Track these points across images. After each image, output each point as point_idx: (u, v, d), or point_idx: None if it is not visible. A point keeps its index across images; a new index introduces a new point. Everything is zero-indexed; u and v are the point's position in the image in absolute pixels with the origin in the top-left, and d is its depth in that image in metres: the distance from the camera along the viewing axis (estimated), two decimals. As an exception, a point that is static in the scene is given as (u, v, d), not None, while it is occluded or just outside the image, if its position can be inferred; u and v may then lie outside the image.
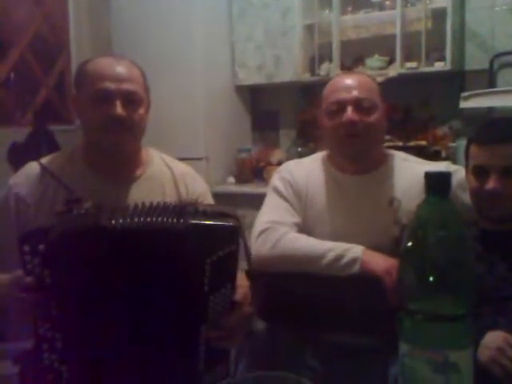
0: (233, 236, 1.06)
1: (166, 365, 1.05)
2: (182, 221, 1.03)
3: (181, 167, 1.48)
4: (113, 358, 1.03)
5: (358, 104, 1.45)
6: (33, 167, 1.36)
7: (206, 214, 1.07)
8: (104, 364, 1.03)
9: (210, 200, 1.48)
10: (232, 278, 1.09)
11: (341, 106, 1.46)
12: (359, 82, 1.49)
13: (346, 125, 1.44)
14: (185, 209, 1.07)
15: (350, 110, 1.44)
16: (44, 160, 1.38)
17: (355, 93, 1.46)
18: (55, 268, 1.00)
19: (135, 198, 1.34)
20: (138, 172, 1.40)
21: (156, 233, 1.03)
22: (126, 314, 1.02)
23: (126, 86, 1.30)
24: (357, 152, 1.48)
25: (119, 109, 1.28)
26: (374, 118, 1.46)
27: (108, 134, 1.30)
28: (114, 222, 1.01)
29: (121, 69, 1.32)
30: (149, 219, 1.02)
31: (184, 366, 1.07)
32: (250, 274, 1.20)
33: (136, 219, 1.02)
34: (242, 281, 1.20)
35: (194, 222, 1.04)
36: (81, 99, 1.34)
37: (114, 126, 1.29)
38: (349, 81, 1.50)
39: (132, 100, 1.31)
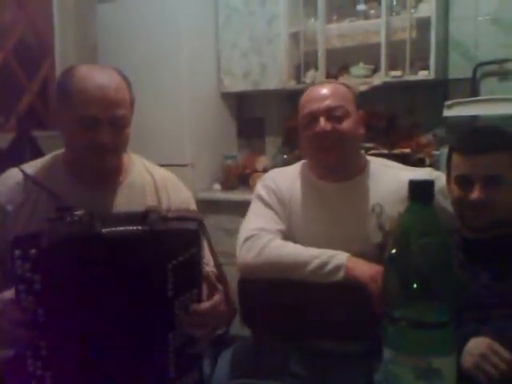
0: (193, 239, 1.06)
1: (138, 373, 1.05)
2: (140, 227, 1.03)
3: (162, 173, 1.48)
4: (92, 365, 1.03)
5: (329, 113, 1.46)
6: (13, 174, 1.35)
7: (168, 220, 1.08)
8: (85, 371, 1.03)
9: (193, 207, 1.48)
10: (196, 282, 1.08)
11: (313, 117, 1.47)
12: (331, 91, 1.50)
13: (319, 135, 1.45)
14: (147, 216, 1.07)
15: (322, 120, 1.45)
16: (25, 166, 1.37)
17: (327, 102, 1.47)
18: (45, 274, 1.00)
19: (116, 204, 1.34)
20: (120, 178, 1.40)
21: (116, 240, 1.03)
22: (100, 325, 1.02)
23: (114, 112, 1.27)
24: (333, 163, 1.49)
25: (105, 136, 1.26)
26: (346, 125, 1.47)
27: (91, 155, 1.29)
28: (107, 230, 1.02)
29: (108, 90, 1.27)
30: (112, 228, 1.03)
31: (154, 373, 1.07)
32: (219, 277, 1.19)
33: (103, 227, 1.03)
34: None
35: (151, 228, 1.04)
36: (65, 117, 1.30)
37: (97, 150, 1.27)
38: (321, 91, 1.51)
39: (119, 124, 1.29)
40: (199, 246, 1.06)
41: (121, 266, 1.02)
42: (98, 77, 1.29)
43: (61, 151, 1.41)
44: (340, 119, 1.46)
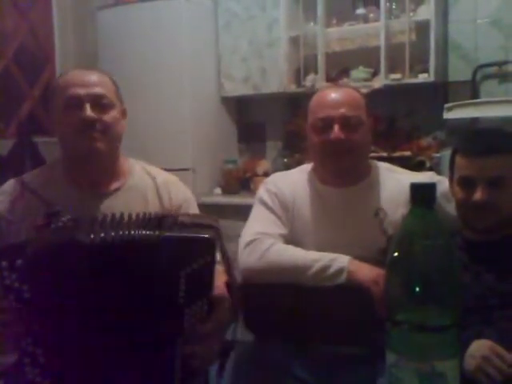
0: (208, 248, 1.04)
1: (142, 379, 1.04)
2: (156, 233, 1.02)
3: (163, 176, 1.48)
4: (93, 371, 1.02)
5: (344, 121, 1.45)
6: (12, 184, 1.36)
7: (184, 226, 1.06)
8: (85, 377, 1.02)
9: (194, 207, 1.48)
10: (208, 291, 1.07)
11: (327, 122, 1.46)
12: (346, 98, 1.49)
13: (332, 142, 1.45)
14: (163, 220, 1.06)
15: (336, 128, 1.44)
16: (25, 176, 1.38)
17: (342, 110, 1.45)
18: (33, 283, 0.99)
19: (117, 209, 1.33)
20: (118, 183, 1.40)
21: (130, 245, 1.01)
22: (102, 329, 1.01)
23: (95, 90, 1.33)
24: (342, 168, 1.49)
25: (88, 111, 1.30)
26: (360, 135, 1.47)
27: (81, 138, 1.30)
28: (91, 236, 0.99)
29: (90, 75, 1.36)
30: (126, 232, 1.01)
31: (160, 381, 1.05)
32: (229, 285, 1.19)
33: (113, 232, 1.01)
34: (222, 290, 1.19)
35: (167, 234, 1.02)
36: (54, 111, 1.36)
37: (86, 130, 1.30)
38: (336, 96, 1.49)
39: (102, 103, 1.33)
40: (213, 255, 1.05)
41: (107, 271, 1.00)
42: (81, 69, 1.40)
43: (58, 160, 1.42)
44: (354, 128, 1.46)
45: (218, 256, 1.10)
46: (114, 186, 1.39)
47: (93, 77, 1.35)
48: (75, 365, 1.01)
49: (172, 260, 1.01)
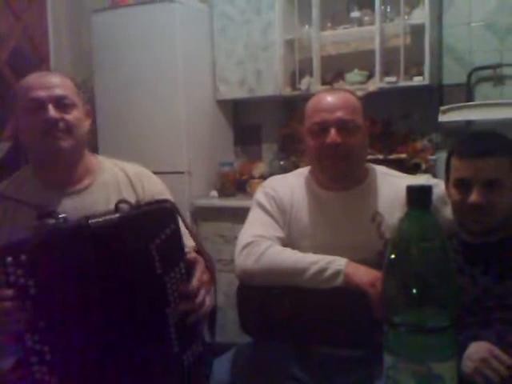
0: (170, 216, 1.11)
1: (144, 355, 1.08)
2: (116, 215, 1.09)
3: (135, 169, 1.51)
4: (97, 355, 1.05)
5: (341, 125, 1.45)
6: None
7: (140, 206, 1.15)
8: (90, 363, 1.05)
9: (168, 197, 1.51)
10: (182, 256, 1.13)
11: (324, 126, 1.46)
12: (343, 101, 1.49)
13: (328, 146, 1.45)
14: (119, 208, 1.14)
15: (333, 131, 1.44)
16: (1, 184, 1.41)
17: (339, 114, 1.45)
18: (38, 276, 1.01)
19: (90, 205, 1.37)
20: (89, 180, 1.43)
21: (96, 230, 1.06)
22: (100, 315, 1.05)
23: (56, 91, 1.36)
24: (339, 172, 1.49)
25: (51, 111, 1.33)
26: (356, 139, 1.47)
27: (45, 138, 1.33)
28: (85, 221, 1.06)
29: (50, 77, 1.39)
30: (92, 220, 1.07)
31: (160, 352, 1.10)
32: (198, 251, 1.25)
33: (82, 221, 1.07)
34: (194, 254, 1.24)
35: (127, 213, 1.11)
36: (18, 114, 1.38)
37: (50, 130, 1.33)
38: (332, 100, 1.49)
39: (64, 104, 1.36)
40: (177, 222, 1.11)
41: (109, 253, 1.05)
42: (41, 72, 1.44)
43: (27, 166, 1.45)
44: (350, 132, 1.46)
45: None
46: (85, 183, 1.42)
47: (53, 79, 1.38)
48: (80, 352, 1.04)
49: (139, 236, 1.07)
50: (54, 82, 1.37)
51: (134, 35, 3.41)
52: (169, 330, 1.09)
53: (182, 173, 3.28)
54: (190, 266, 1.15)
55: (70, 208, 1.32)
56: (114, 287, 1.06)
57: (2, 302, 1.01)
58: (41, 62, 3.76)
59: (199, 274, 1.17)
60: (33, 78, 1.39)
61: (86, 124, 1.43)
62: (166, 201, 1.17)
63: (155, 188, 1.49)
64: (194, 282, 1.14)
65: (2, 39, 3.53)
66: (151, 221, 1.10)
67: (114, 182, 1.45)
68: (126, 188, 1.45)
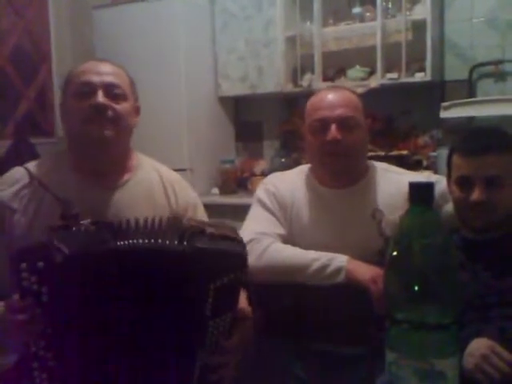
0: (240, 262, 1.05)
1: (161, 379, 1.03)
2: (188, 243, 1.01)
3: (170, 173, 1.48)
4: (109, 376, 1.01)
5: (341, 122, 1.45)
6: (18, 172, 1.33)
7: (213, 238, 1.05)
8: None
9: (200, 209, 1.48)
10: (234, 305, 1.07)
11: (324, 123, 1.47)
12: (343, 99, 1.49)
13: (329, 143, 1.45)
14: (190, 230, 1.05)
15: (333, 128, 1.45)
16: (30, 166, 1.35)
17: (339, 111, 1.46)
18: (54, 287, 0.97)
19: (123, 203, 1.32)
20: (126, 177, 1.38)
21: (163, 255, 1.01)
22: (127, 336, 1.00)
23: (109, 79, 1.32)
24: (339, 169, 1.49)
25: (100, 97, 1.29)
26: (357, 136, 1.47)
27: (91, 125, 1.28)
28: (121, 243, 0.99)
29: (105, 65, 1.36)
30: (154, 240, 1.01)
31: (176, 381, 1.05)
32: (251, 301, 1.20)
33: (141, 240, 1.00)
34: (245, 305, 1.20)
35: (201, 245, 1.02)
36: (66, 100, 1.34)
37: (96, 116, 1.28)
38: (332, 98, 1.50)
39: (115, 93, 1.32)
40: (244, 271, 1.05)
41: (137, 279, 0.99)
42: (98, 61, 1.39)
43: (63, 151, 1.40)
44: (351, 129, 1.46)
45: None
46: (122, 179, 1.37)
47: (108, 66, 1.35)
48: (87, 371, 1.00)
49: (204, 272, 1.01)
50: (108, 70, 1.33)
51: (135, 32, 3.41)
52: (193, 369, 1.05)
53: (184, 170, 3.28)
54: (237, 319, 1.10)
55: (102, 204, 1.28)
56: (149, 314, 1.00)
57: (14, 314, 0.99)
58: (42, 59, 3.76)
59: (241, 336, 1.12)
60: (88, 64, 1.35)
61: (134, 120, 1.38)
62: (238, 241, 1.09)
63: (188, 198, 1.45)
64: (235, 339, 1.10)
65: (3, 36, 3.53)
66: (222, 261, 1.04)
67: (148, 182, 1.40)
68: (159, 191, 1.40)
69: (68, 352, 0.99)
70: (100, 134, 1.28)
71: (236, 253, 1.05)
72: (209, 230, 1.07)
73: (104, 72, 1.32)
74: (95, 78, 1.30)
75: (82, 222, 1.05)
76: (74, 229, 1.04)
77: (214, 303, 1.02)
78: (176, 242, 1.01)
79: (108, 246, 0.99)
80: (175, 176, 1.48)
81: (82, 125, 1.29)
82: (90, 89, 1.29)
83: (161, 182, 1.42)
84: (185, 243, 1.01)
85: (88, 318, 0.98)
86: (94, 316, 0.98)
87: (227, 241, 1.06)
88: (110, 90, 1.31)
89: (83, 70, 1.33)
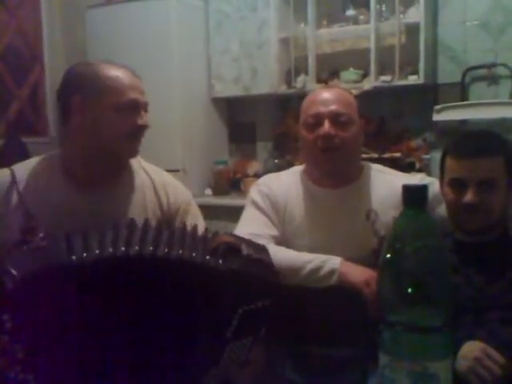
0: (271, 291, 1.03)
1: None
2: (224, 262, 1.00)
3: (160, 175, 1.46)
4: None
5: (335, 118, 1.46)
6: (6, 176, 1.31)
7: (250, 260, 1.03)
8: None
9: (194, 208, 1.48)
10: (257, 332, 1.06)
11: (318, 119, 1.47)
12: (338, 96, 1.50)
13: (322, 138, 1.45)
14: (224, 246, 1.03)
15: (326, 123, 1.45)
16: (18, 167, 1.33)
17: (333, 107, 1.47)
18: (14, 312, 0.94)
19: (114, 206, 1.31)
20: (117, 180, 1.37)
21: (192, 268, 0.99)
22: (127, 350, 0.97)
23: (145, 99, 1.39)
24: (333, 167, 1.49)
25: (145, 118, 1.36)
26: (350, 132, 1.47)
27: (131, 142, 1.34)
28: (74, 257, 0.95)
29: (136, 77, 1.40)
30: (178, 252, 0.99)
31: None
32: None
33: (162, 248, 0.99)
34: None
35: (236, 267, 1.00)
36: (99, 107, 1.30)
37: (138, 135, 1.35)
38: (327, 95, 1.51)
39: (146, 110, 1.39)
40: (273, 300, 1.04)
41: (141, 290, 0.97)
42: (123, 68, 1.40)
43: (52, 154, 1.37)
44: (344, 126, 1.46)
45: None
46: (112, 182, 1.36)
47: (140, 82, 1.40)
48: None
49: (235, 294, 0.99)
50: (142, 87, 1.39)
51: (128, 32, 3.40)
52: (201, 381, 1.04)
53: (177, 170, 3.27)
54: (255, 345, 1.09)
55: (91, 208, 1.27)
56: (150, 325, 0.98)
57: None
58: (34, 59, 3.74)
59: (258, 361, 1.12)
60: (123, 77, 1.36)
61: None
62: (270, 265, 1.08)
63: (180, 198, 1.44)
64: (248, 371, 1.09)
65: (-6, 35, 3.51)
66: (255, 286, 1.02)
67: (139, 185, 1.39)
68: (150, 194, 1.39)
69: (47, 371, 0.96)
70: (136, 149, 1.38)
71: (271, 281, 1.05)
72: (245, 250, 1.05)
73: (141, 89, 1.39)
74: (140, 97, 1.37)
75: (36, 237, 1.04)
76: (28, 246, 1.01)
77: (238, 326, 1.01)
78: (211, 260, 0.99)
79: (62, 262, 0.95)
80: (166, 178, 1.48)
81: (120, 140, 1.32)
82: (134, 107, 1.35)
83: (152, 186, 1.41)
84: (220, 261, 0.99)
85: (59, 334, 0.95)
86: (66, 331, 0.95)
87: (262, 265, 1.05)
88: (145, 109, 1.40)
89: (122, 82, 1.34)
